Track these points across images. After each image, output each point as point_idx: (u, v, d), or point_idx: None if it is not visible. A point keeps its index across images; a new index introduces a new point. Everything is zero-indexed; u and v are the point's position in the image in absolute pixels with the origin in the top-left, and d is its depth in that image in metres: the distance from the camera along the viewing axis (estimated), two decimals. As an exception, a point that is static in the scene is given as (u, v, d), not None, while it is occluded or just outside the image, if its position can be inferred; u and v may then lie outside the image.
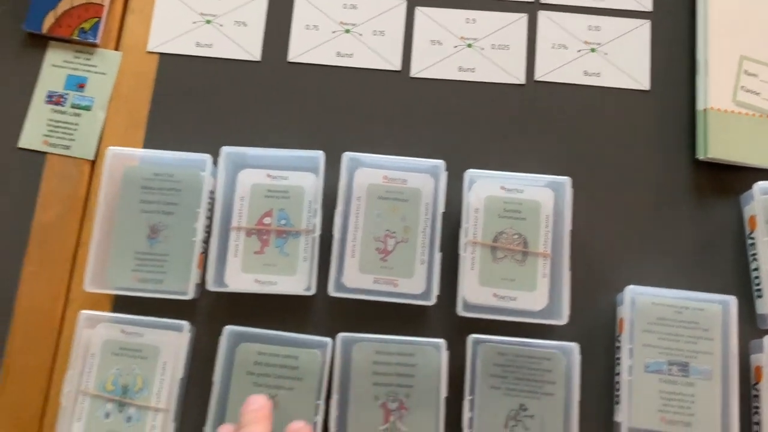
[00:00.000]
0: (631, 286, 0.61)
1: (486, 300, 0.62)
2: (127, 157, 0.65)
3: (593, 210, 0.65)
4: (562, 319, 0.60)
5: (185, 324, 0.60)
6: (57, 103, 0.68)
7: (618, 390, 0.60)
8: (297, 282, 0.62)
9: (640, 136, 0.68)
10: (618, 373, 0.61)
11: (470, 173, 0.63)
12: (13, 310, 0.63)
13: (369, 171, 0.65)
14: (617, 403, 0.60)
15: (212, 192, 0.64)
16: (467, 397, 0.59)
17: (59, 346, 0.63)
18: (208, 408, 0.58)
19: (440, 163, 0.63)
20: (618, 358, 0.61)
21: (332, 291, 0.61)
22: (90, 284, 0.61)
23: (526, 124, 0.68)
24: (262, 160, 0.65)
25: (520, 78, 0.69)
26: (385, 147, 0.66)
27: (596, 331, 0.63)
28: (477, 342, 0.60)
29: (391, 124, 0.68)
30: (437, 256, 0.61)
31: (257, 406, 0.52)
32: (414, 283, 0.62)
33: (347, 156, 0.64)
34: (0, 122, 0.68)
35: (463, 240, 0.62)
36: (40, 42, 0.70)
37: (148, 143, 0.67)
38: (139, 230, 0.63)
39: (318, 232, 0.62)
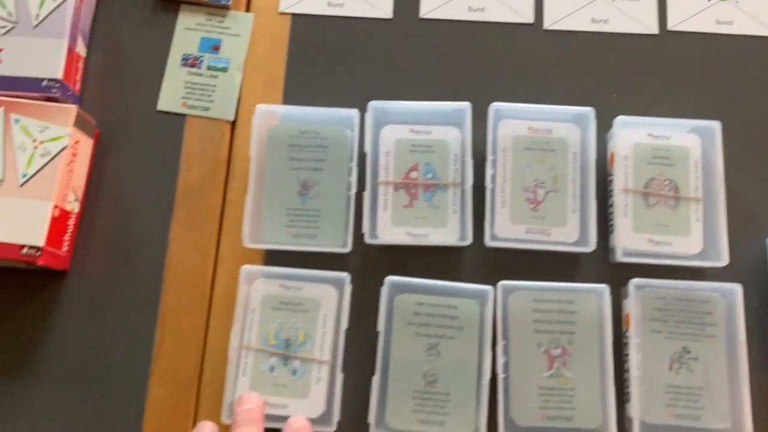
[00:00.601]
0: (790, 227, 0.61)
1: (642, 246, 0.62)
2: (272, 115, 0.65)
3: (735, 154, 0.65)
4: (722, 260, 0.60)
5: (346, 276, 0.60)
6: (193, 66, 0.68)
7: (779, 331, 0.60)
8: (449, 233, 0.63)
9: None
10: (777, 315, 0.61)
11: (620, 120, 0.63)
12: (163, 272, 0.64)
13: (513, 122, 0.65)
14: (779, 343, 0.60)
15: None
16: (634, 340, 0.59)
17: (212, 304, 0.64)
18: (376, 358, 0.58)
19: (589, 110, 0.63)
20: (776, 300, 0.62)
21: (488, 241, 0.61)
22: (249, 240, 0.61)
23: (661, 73, 0.68)
24: (403, 116, 0.65)
25: (652, 28, 0.69)
26: (522, 100, 0.65)
27: (747, 274, 0.63)
28: (638, 287, 0.60)
29: (526, 77, 0.68)
30: (593, 204, 0.61)
31: (251, 405, 0.51)
32: (567, 231, 0.62)
33: (494, 107, 0.64)
34: (138, 86, 0.68)
35: (618, 186, 0.62)
36: (171, 6, 0.70)
37: (287, 102, 0.67)
38: (290, 187, 0.63)
39: (470, 183, 0.62)
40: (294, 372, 0.60)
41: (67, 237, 0.62)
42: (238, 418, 0.52)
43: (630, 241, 0.62)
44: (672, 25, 0.69)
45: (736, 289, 0.59)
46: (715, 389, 0.58)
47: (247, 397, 0.53)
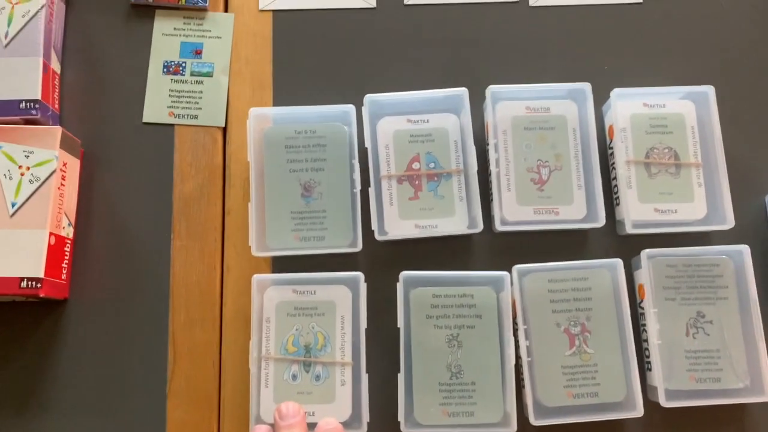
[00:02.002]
0: (789, 184, 0.62)
1: (648, 216, 0.62)
2: (265, 117, 0.63)
3: (729, 116, 0.66)
4: (727, 223, 0.61)
5: (360, 275, 0.59)
6: (176, 73, 0.65)
7: (787, 286, 0.62)
8: (457, 222, 0.62)
9: (762, 39, 0.69)
10: (783, 271, 0.62)
11: (616, 92, 0.63)
12: (170, 288, 0.62)
13: (510, 104, 0.64)
14: (788, 298, 0.62)
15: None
16: (651, 310, 0.59)
17: (223, 316, 0.62)
18: (399, 355, 0.58)
19: (585, 85, 0.63)
20: (781, 257, 0.63)
21: (499, 226, 0.61)
22: (256, 249, 0.59)
23: (649, 41, 0.68)
24: (398, 107, 0.64)
25: (636, -4, 0.69)
26: (516, 80, 0.65)
27: (751, 234, 0.64)
28: (650, 257, 0.61)
29: (516, 57, 0.67)
30: (598, 178, 0.61)
31: (293, 419, 0.51)
32: (575, 209, 0.62)
33: (491, 90, 0.63)
34: (120, 99, 0.65)
35: (620, 159, 0.62)
36: (145, 12, 0.67)
37: (278, 103, 0.66)
38: (292, 190, 0.62)
39: (474, 169, 0.61)
40: (317, 377, 0.59)
41: (65, 264, 0.60)
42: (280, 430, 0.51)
43: (636, 212, 0.62)
44: (655, -9, 0.69)
45: (744, 250, 0.61)
46: (732, 349, 0.60)
47: (285, 408, 0.52)
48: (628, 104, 0.64)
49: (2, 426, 0.59)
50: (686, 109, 0.65)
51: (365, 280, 0.60)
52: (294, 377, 0.59)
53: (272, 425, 0.52)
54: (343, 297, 0.60)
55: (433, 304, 0.60)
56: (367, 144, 0.62)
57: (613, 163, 0.64)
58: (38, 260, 0.56)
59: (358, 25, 0.68)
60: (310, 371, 0.59)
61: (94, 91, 0.66)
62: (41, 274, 0.56)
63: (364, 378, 0.58)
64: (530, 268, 0.61)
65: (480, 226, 0.60)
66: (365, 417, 0.57)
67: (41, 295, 0.56)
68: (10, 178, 0.57)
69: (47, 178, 0.58)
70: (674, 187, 0.63)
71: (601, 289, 0.61)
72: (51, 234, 0.57)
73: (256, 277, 0.59)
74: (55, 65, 0.64)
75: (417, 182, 0.63)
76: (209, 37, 0.66)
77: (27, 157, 0.58)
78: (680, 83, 0.65)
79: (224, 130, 0.66)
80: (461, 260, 0.63)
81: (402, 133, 0.64)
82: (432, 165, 0.63)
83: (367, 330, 0.60)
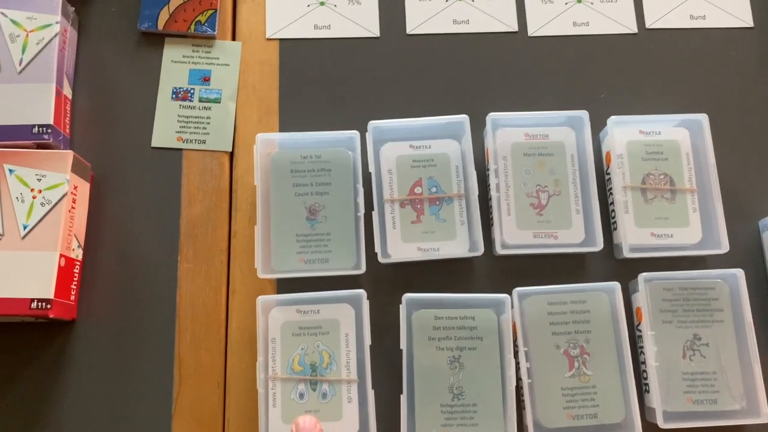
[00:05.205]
0: (782, 210, 0.64)
1: (644, 240, 0.64)
2: (271, 143, 0.65)
3: (723, 143, 0.68)
4: (722, 247, 0.62)
5: (362, 292, 0.60)
6: (184, 99, 0.67)
7: (781, 309, 0.63)
8: (459, 245, 0.63)
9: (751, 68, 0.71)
10: (777, 294, 0.64)
11: (613, 120, 0.65)
12: (176, 310, 0.63)
13: (510, 130, 0.66)
14: (782, 322, 0.63)
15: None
16: (648, 332, 0.61)
17: (228, 337, 0.63)
18: (402, 376, 0.59)
19: (582, 113, 0.65)
20: (775, 280, 0.64)
21: (499, 250, 0.62)
22: (262, 271, 0.60)
23: (644, 70, 0.70)
24: (401, 133, 0.66)
25: (631, 27, 0.71)
26: (515, 107, 0.67)
27: (745, 258, 0.65)
28: (647, 280, 0.62)
29: (516, 84, 0.70)
30: (596, 203, 0.63)
31: (309, 426, 0.53)
32: (573, 233, 0.64)
33: (491, 117, 0.65)
34: (130, 124, 0.67)
35: (617, 184, 0.64)
36: (154, 40, 0.69)
37: (284, 129, 0.67)
38: (297, 213, 0.63)
39: (475, 193, 0.63)
40: (324, 396, 0.59)
41: (73, 285, 0.61)
42: None
43: (633, 236, 0.64)
44: (650, 23, 0.71)
45: (739, 274, 0.62)
46: (728, 372, 0.61)
47: (303, 422, 0.53)
48: (625, 131, 0.66)
49: (8, 446, 0.60)
50: (681, 136, 0.67)
51: (368, 300, 0.62)
52: (301, 396, 0.60)
53: None
54: (346, 315, 0.61)
55: (435, 326, 0.61)
56: (371, 169, 0.64)
57: (611, 188, 0.66)
58: (48, 282, 0.57)
59: (362, 53, 0.70)
60: (317, 389, 0.60)
61: (104, 117, 0.67)
62: (51, 296, 0.57)
63: (371, 394, 0.59)
64: (530, 291, 0.62)
65: (481, 250, 0.62)
66: (372, 434, 0.58)
67: (51, 316, 0.57)
68: (23, 201, 0.59)
69: (58, 201, 0.59)
70: (670, 212, 0.65)
71: (599, 312, 0.62)
72: (61, 256, 0.58)
73: (260, 298, 0.60)
74: (67, 91, 0.66)
75: (419, 206, 0.65)
76: (217, 64, 0.68)
77: (39, 180, 0.59)
78: (675, 111, 0.68)
79: (231, 154, 0.67)
80: (462, 283, 0.64)
81: (405, 159, 0.66)
82: (434, 189, 0.65)
83: (371, 351, 0.61)
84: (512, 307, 0.61)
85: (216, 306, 0.63)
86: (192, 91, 0.68)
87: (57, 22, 0.64)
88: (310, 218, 0.63)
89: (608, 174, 0.66)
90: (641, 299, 0.62)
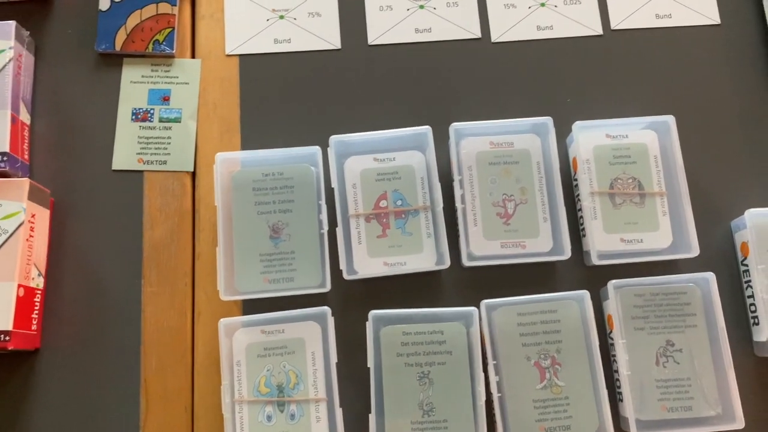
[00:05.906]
0: (752, 210, 0.62)
1: (614, 246, 0.63)
2: (232, 162, 0.64)
3: (691, 145, 0.67)
4: (693, 251, 0.61)
5: (327, 309, 0.60)
6: (144, 120, 0.66)
7: (755, 311, 0.62)
8: (425, 258, 0.62)
9: (718, 66, 0.70)
10: (751, 296, 0.63)
11: (578, 125, 0.64)
12: (141, 335, 0.62)
13: (474, 139, 0.65)
14: (756, 324, 0.62)
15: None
16: (620, 340, 0.60)
17: (195, 360, 0.62)
18: (370, 394, 0.58)
19: (547, 119, 0.64)
20: (748, 282, 0.63)
21: (466, 261, 0.61)
22: (225, 293, 0.60)
23: (611, 73, 0.69)
24: (365, 146, 0.65)
25: (596, 29, 0.70)
26: (480, 115, 0.66)
27: (717, 261, 0.64)
28: (616, 287, 0.61)
29: (481, 92, 0.69)
30: (563, 211, 0.62)
31: None
32: (541, 241, 0.63)
33: (454, 127, 0.64)
34: (90, 147, 0.66)
35: (584, 190, 0.63)
36: (112, 61, 0.68)
37: (246, 146, 0.66)
38: (260, 232, 0.62)
39: (440, 205, 0.62)
40: (292, 416, 0.59)
41: (35, 315, 0.60)
42: None
43: (602, 242, 0.63)
44: (615, 23, 0.70)
45: (710, 278, 0.61)
46: (703, 377, 0.60)
47: None
48: (591, 136, 0.65)
49: (-25, 479, 0.59)
50: (649, 138, 0.66)
51: (336, 319, 0.61)
52: (269, 418, 0.59)
53: None
54: (312, 333, 0.60)
55: (404, 342, 0.60)
56: (334, 184, 0.63)
57: (578, 194, 0.65)
58: (7, 313, 0.56)
59: (323, 66, 0.69)
60: (285, 411, 0.59)
61: (63, 141, 0.66)
62: (10, 327, 0.56)
63: (338, 412, 0.58)
64: (499, 303, 0.61)
65: (447, 262, 0.61)
66: (340, 455, 0.57)
67: (10, 348, 0.56)
68: (-22, 231, 0.58)
69: (15, 231, 0.58)
70: (639, 216, 0.64)
71: (570, 321, 0.61)
72: (20, 286, 0.57)
73: (222, 321, 0.59)
74: (24, 116, 0.65)
75: (385, 220, 0.64)
76: (177, 83, 0.67)
77: (-6, 210, 0.58)
78: (643, 113, 0.67)
79: (193, 174, 0.67)
80: (431, 296, 0.63)
81: (369, 172, 0.65)
82: (399, 202, 0.64)
83: (338, 368, 0.60)
84: (480, 319, 0.60)
85: (181, 329, 0.63)
86: (152, 111, 0.67)
87: (11, 48, 0.63)
88: (273, 237, 0.62)
89: (575, 180, 0.65)
90: (612, 307, 0.61)
